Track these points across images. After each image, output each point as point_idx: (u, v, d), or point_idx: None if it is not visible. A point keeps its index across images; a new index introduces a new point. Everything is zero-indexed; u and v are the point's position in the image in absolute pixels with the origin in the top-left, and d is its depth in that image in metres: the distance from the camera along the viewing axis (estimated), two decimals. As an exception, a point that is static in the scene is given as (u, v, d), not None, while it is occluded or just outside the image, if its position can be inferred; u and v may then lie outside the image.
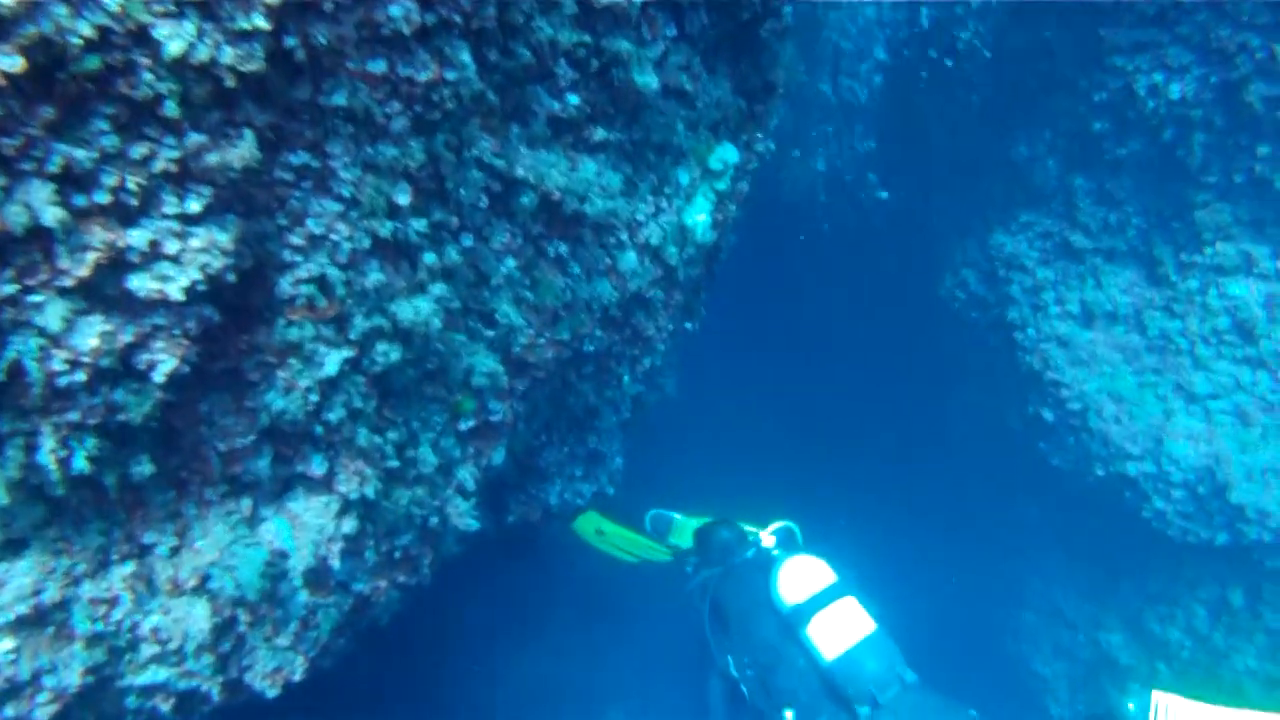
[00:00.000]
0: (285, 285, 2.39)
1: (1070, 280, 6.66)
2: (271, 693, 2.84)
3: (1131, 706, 3.87)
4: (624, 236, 3.50)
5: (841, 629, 4.12)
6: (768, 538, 5.08)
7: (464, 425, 3.26)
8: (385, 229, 2.53)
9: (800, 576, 4.33)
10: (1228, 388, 6.25)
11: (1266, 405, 6.19)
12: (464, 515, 3.30)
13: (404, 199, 2.56)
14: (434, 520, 3.22)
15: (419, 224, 2.65)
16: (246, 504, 2.64)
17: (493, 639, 7.65)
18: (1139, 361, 6.46)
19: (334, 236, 2.43)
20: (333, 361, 2.53)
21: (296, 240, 2.37)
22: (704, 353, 10.72)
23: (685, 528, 5.67)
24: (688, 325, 4.78)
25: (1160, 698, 3.76)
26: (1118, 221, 6.39)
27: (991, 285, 7.04)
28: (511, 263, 3.13)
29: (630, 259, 3.56)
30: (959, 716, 3.96)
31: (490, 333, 3.16)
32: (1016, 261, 6.79)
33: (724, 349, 10.14)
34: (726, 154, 3.88)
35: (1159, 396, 6.39)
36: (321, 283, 2.43)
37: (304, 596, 2.81)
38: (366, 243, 2.50)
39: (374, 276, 2.56)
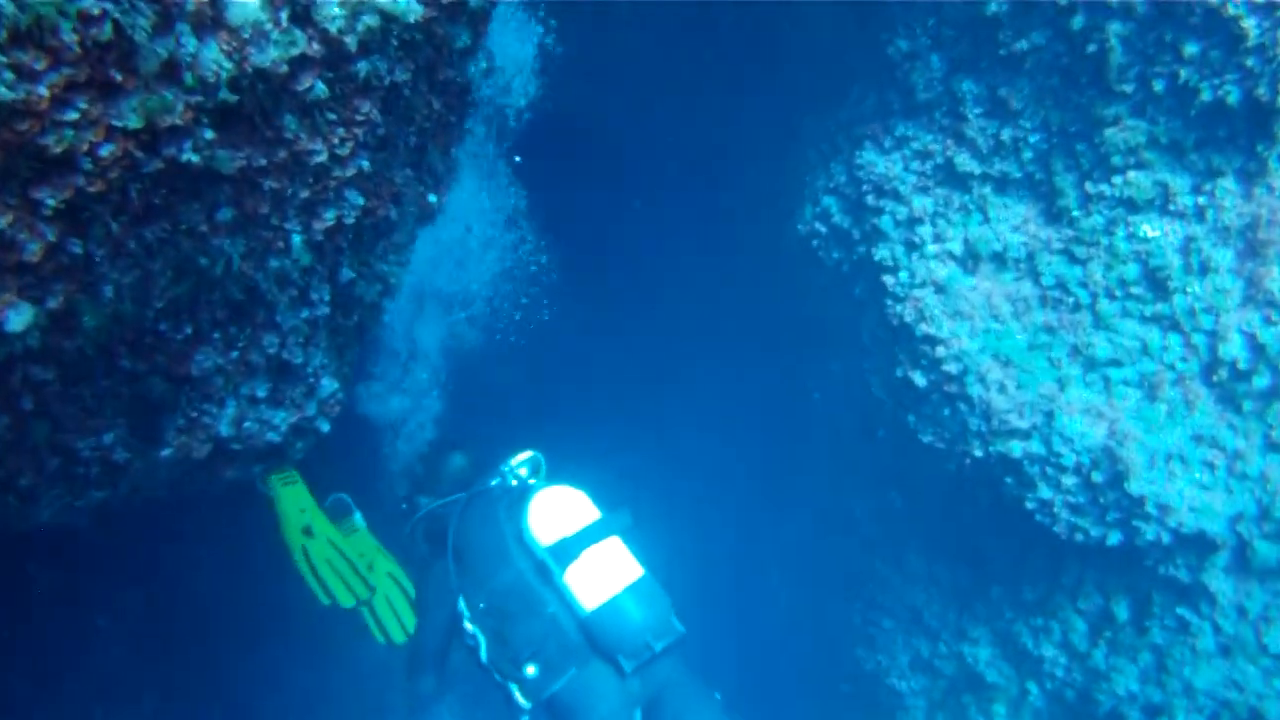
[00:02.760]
0: None
1: (952, 213, 5.37)
2: None
3: None
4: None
5: (605, 574, 3.80)
6: (516, 469, 4.37)
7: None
8: None
9: (557, 511, 3.95)
10: (1133, 353, 5.05)
11: (1176, 376, 5.02)
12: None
13: None
14: None
15: None
16: None
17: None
18: (1030, 316, 5.22)
19: None
20: None
21: None
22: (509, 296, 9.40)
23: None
24: (428, 194, 3.30)
25: None
26: (1012, 140, 5.12)
27: (858, 217, 5.73)
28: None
29: (250, 8, 2.08)
30: (706, 697, 3.86)
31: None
32: (889, 186, 5.47)
33: (533, 294, 8.77)
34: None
35: (1052, 360, 5.16)
36: None
37: None
38: None
39: None
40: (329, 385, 3.38)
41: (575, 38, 6.47)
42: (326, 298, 3.05)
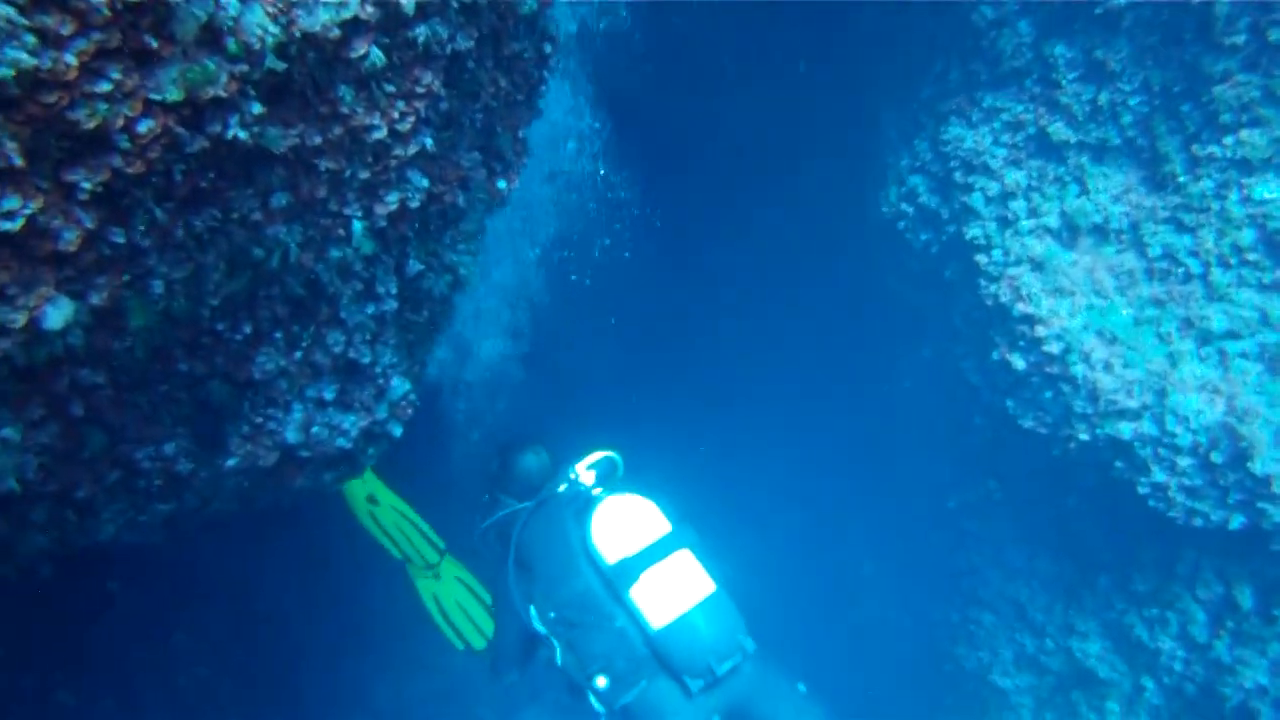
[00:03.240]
0: None
1: (1047, 185, 5.10)
2: None
3: None
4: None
5: (674, 591, 3.66)
6: (585, 473, 4.16)
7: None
8: None
9: (624, 523, 3.80)
10: (1251, 323, 4.73)
11: (1300, 347, 4.70)
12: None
13: None
14: None
15: None
16: None
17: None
18: (1136, 289, 4.93)
19: None
20: None
21: None
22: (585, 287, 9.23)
23: None
24: (496, 179, 3.17)
25: None
26: (1110, 104, 4.84)
27: (947, 195, 5.48)
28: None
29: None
30: (790, 692, 3.77)
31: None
32: (978, 161, 5.22)
33: (608, 287, 8.61)
34: None
35: (1162, 335, 4.87)
36: None
37: None
38: None
39: None
40: (400, 386, 3.25)
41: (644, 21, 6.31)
42: (394, 290, 2.92)
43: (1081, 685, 6.36)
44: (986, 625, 6.80)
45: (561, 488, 4.16)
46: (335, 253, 2.60)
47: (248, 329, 2.67)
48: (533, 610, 3.91)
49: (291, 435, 3.01)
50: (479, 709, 8.69)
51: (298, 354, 2.86)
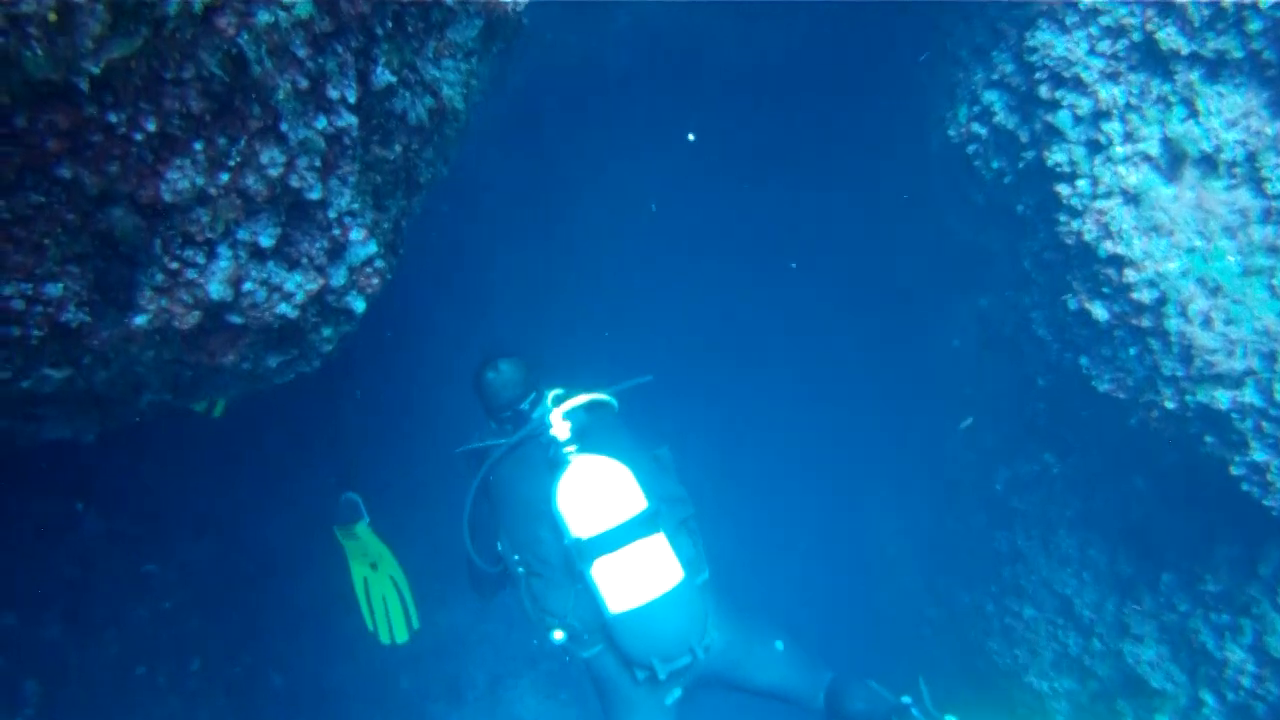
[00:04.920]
0: None
1: (1149, 105, 4.32)
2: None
3: None
4: None
5: (635, 581, 3.47)
6: (560, 423, 3.79)
7: None
8: None
9: (594, 496, 3.54)
10: (1384, 280, 3.97)
11: None
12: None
13: None
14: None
15: None
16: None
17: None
18: (1248, 233, 4.15)
19: None
20: None
21: None
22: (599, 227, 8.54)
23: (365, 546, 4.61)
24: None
25: None
26: (1235, 6, 4.07)
27: (1028, 114, 4.71)
28: None
29: None
30: (766, 654, 3.69)
31: None
32: (1069, 73, 4.44)
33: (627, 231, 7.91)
34: None
35: (1276, 289, 4.11)
36: None
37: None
38: None
39: None
40: (363, 245, 2.54)
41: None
42: (351, 100, 2.20)
43: (1129, 694, 5.62)
44: (1026, 619, 6.08)
45: (532, 428, 3.87)
46: (263, 14, 1.89)
47: (151, 125, 1.97)
48: (499, 545, 3.79)
49: (216, 289, 2.31)
50: (470, 668, 8.24)
51: (223, 175, 2.15)
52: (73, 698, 4.48)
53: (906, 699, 3.72)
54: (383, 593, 4.70)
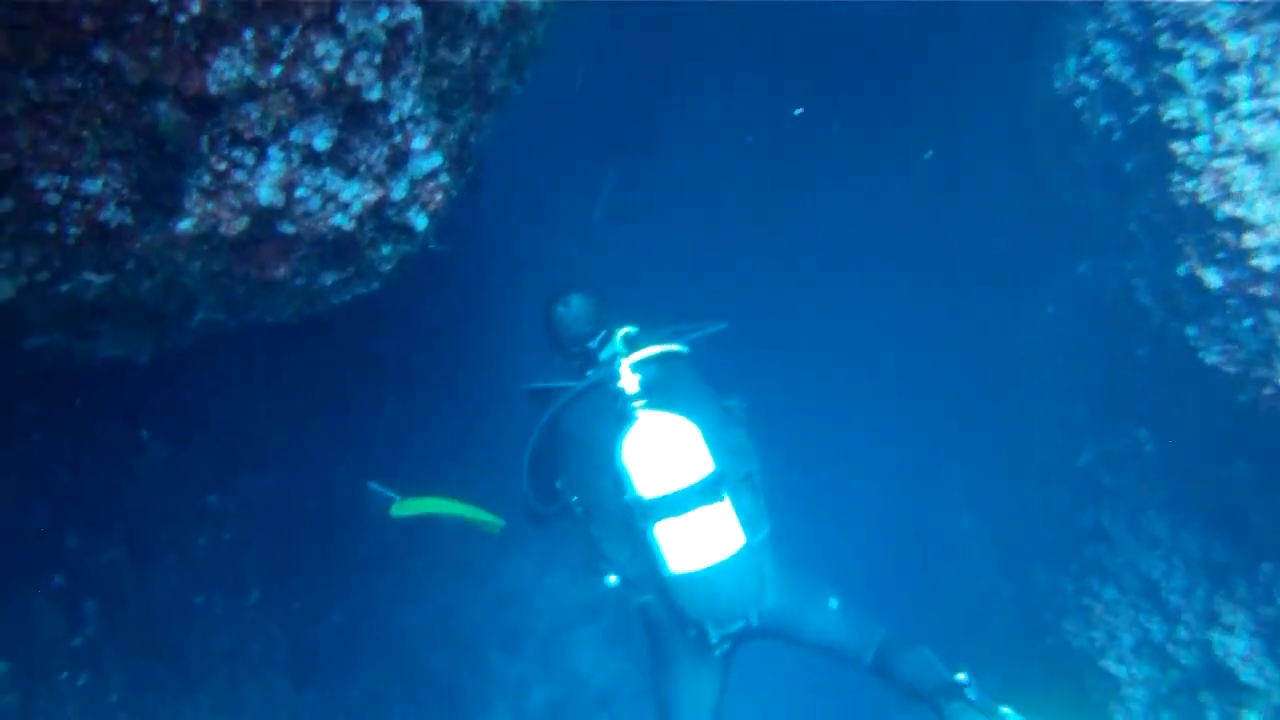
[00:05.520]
0: None
1: (1283, 56, 3.99)
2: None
3: None
4: None
5: (696, 545, 3.39)
6: (629, 375, 3.63)
7: None
8: None
9: (661, 456, 3.41)
10: None
11: None
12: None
13: None
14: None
15: None
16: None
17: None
18: (1386, 197, 3.81)
19: None
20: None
21: None
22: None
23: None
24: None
25: None
26: (1392, -51, 3.70)
27: (1144, 66, 4.37)
28: None
29: None
30: (819, 609, 3.62)
31: None
32: (1194, 21, 4.10)
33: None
34: None
35: None
36: None
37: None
38: None
39: None
40: (427, 158, 2.38)
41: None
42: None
43: (1215, 686, 5.33)
44: (1106, 601, 5.79)
45: (599, 374, 3.73)
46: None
47: (195, 8, 1.82)
48: (558, 483, 3.73)
49: (266, 193, 2.16)
50: (529, 618, 8.19)
51: (274, 68, 2.00)
52: (131, 620, 4.48)
53: (962, 675, 3.52)
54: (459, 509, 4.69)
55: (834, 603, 3.65)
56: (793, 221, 8.09)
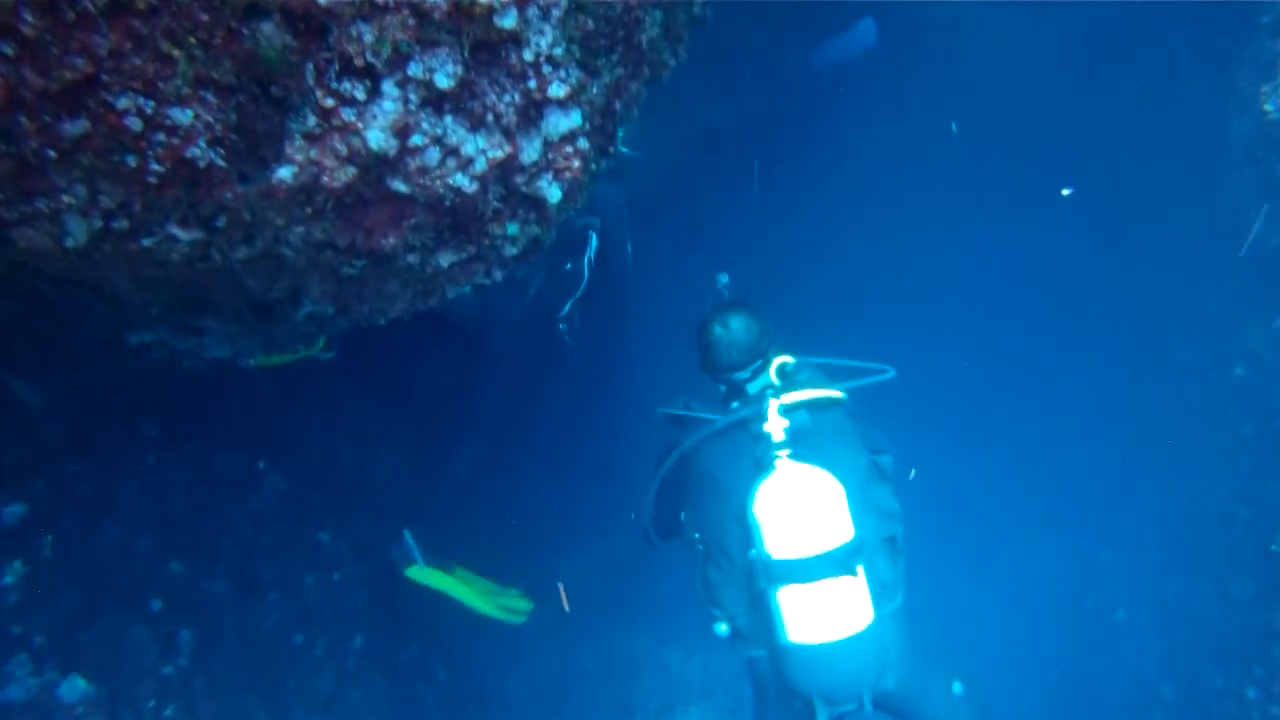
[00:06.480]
0: None
1: None
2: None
3: None
4: None
5: (820, 617, 3.11)
6: (776, 419, 3.28)
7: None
8: None
9: (797, 515, 3.13)
10: None
11: None
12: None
13: None
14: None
15: None
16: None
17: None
18: None
19: None
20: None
21: None
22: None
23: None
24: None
25: None
26: None
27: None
28: None
29: None
30: (940, 694, 3.35)
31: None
32: None
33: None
34: None
35: None
36: None
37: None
38: None
39: None
40: (565, 114, 2.08)
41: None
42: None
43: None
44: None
45: (745, 413, 3.40)
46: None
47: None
48: (683, 515, 3.54)
49: (377, 138, 1.88)
50: (640, 692, 7.73)
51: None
52: (227, 653, 4.26)
53: None
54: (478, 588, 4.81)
55: (958, 687, 3.44)
56: (953, 272, 7.72)
